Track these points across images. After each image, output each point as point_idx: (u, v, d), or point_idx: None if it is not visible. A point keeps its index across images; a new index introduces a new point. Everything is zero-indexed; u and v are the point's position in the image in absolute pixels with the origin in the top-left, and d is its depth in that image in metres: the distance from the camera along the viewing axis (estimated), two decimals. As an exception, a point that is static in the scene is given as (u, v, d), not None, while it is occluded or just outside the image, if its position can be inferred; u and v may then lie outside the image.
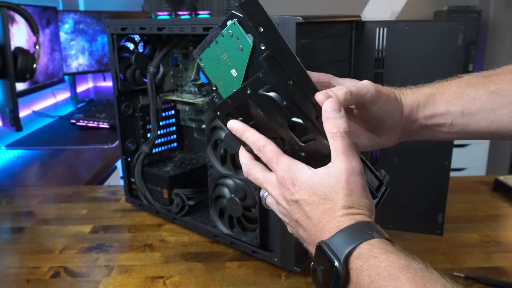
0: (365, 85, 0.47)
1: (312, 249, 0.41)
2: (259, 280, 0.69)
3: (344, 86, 0.45)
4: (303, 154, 0.44)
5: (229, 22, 0.42)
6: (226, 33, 0.42)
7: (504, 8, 2.67)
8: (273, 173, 0.45)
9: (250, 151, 0.47)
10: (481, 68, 2.84)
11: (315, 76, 0.50)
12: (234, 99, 0.44)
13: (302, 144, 0.44)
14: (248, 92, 0.42)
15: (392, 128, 0.51)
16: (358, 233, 0.38)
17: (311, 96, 0.42)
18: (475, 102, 0.49)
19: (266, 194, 0.47)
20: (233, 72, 0.44)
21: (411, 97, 0.51)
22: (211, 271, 0.71)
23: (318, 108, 0.42)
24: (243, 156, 0.48)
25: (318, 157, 0.43)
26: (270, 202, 0.47)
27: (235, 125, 0.46)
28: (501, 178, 0.99)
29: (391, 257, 0.36)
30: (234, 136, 0.46)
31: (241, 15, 0.41)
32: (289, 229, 0.47)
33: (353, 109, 0.50)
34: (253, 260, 0.74)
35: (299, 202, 0.42)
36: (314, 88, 0.43)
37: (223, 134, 0.70)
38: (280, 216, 0.47)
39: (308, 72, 0.45)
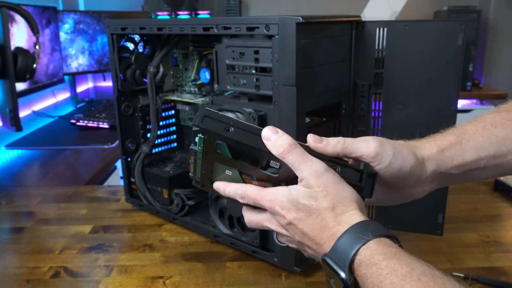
0: (366, 139, 0.47)
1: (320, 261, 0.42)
2: (259, 280, 0.69)
3: (341, 137, 0.47)
4: (283, 183, 0.46)
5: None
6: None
7: (504, 8, 2.67)
8: (265, 210, 0.46)
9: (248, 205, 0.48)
10: (481, 68, 2.84)
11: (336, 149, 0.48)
12: (204, 167, 0.49)
13: (276, 175, 0.46)
14: (198, 149, 0.48)
15: (418, 181, 0.49)
16: (354, 237, 0.38)
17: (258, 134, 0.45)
18: (506, 142, 0.48)
19: (274, 233, 0.48)
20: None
21: (436, 149, 0.49)
22: (211, 271, 0.71)
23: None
24: (243, 211, 0.50)
25: (295, 178, 0.45)
26: (279, 238, 0.48)
27: (216, 187, 0.49)
28: (501, 178, 0.99)
29: (392, 263, 0.36)
30: (228, 197, 0.49)
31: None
32: (305, 253, 0.47)
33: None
34: (253, 260, 0.74)
35: (292, 223, 0.43)
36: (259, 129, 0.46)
37: (223, 134, 0.70)
38: (292, 245, 0.47)
39: (325, 138, 0.47)
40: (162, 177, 0.86)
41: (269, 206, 0.45)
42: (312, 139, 0.46)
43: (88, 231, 0.86)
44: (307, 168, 0.43)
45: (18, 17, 1.48)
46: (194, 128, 0.47)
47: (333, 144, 0.46)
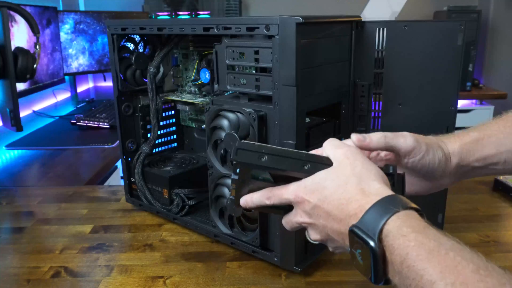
0: (403, 134, 0.51)
1: (345, 238, 0.42)
2: (259, 280, 0.69)
3: (381, 132, 0.51)
4: None
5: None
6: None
7: (504, 8, 2.67)
8: (292, 207, 0.48)
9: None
10: (480, 68, 2.84)
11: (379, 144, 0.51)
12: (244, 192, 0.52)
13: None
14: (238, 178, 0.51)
15: (444, 174, 0.54)
16: (383, 209, 0.39)
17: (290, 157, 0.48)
18: None
19: (306, 232, 0.50)
20: None
21: (458, 144, 0.54)
22: (211, 271, 0.71)
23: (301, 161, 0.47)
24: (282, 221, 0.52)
25: None
26: (309, 233, 0.49)
27: (243, 202, 0.51)
28: (501, 178, 0.99)
29: (420, 236, 0.36)
30: (261, 209, 0.51)
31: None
32: (330, 246, 0.49)
33: (404, 161, 0.52)
34: (253, 260, 0.74)
35: (316, 204, 0.45)
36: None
37: (223, 134, 0.70)
38: (321, 238, 0.48)
39: (367, 135, 0.50)
40: (162, 177, 0.87)
41: (294, 196, 0.46)
42: (356, 138, 0.50)
43: (88, 231, 0.86)
44: (337, 149, 0.47)
45: (18, 17, 1.48)
46: (234, 162, 0.49)
47: (376, 140, 0.50)
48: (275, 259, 0.70)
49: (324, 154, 0.48)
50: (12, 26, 1.51)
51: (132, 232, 0.85)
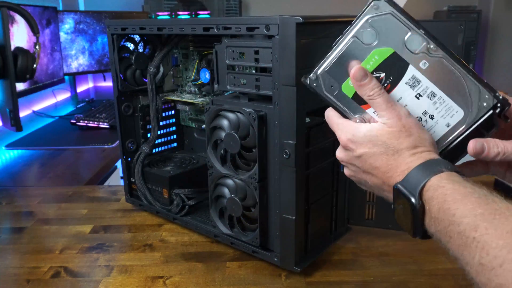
0: None
1: (387, 194, 0.46)
2: (259, 280, 0.69)
3: (502, 144, 0.45)
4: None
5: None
6: None
7: (504, 8, 2.67)
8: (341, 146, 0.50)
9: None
10: (481, 68, 2.84)
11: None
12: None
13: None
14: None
15: None
16: (428, 169, 0.42)
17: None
18: None
19: (342, 166, 0.52)
20: None
21: None
22: (211, 271, 0.71)
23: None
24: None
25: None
26: (345, 172, 0.51)
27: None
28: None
29: (457, 186, 0.39)
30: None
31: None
32: (361, 185, 0.51)
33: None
34: (253, 260, 0.74)
35: (362, 156, 0.46)
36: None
37: (223, 134, 0.70)
38: (354, 179, 0.50)
39: (485, 145, 0.46)
40: (162, 177, 0.87)
41: (341, 140, 0.48)
42: (472, 149, 0.45)
43: (88, 231, 0.86)
44: (394, 110, 0.45)
45: (18, 17, 1.48)
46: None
47: (493, 155, 0.45)
48: (275, 259, 0.70)
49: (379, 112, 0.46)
50: (12, 26, 1.51)
51: (132, 232, 0.85)
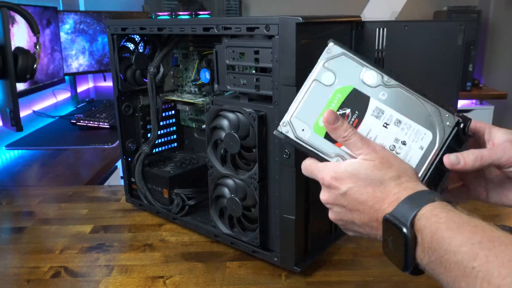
0: (503, 148, 0.47)
1: (375, 231, 0.44)
2: (259, 280, 0.69)
3: (476, 151, 0.47)
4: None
5: None
6: None
7: (504, 8, 2.67)
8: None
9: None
10: (481, 68, 2.84)
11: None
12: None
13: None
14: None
15: None
16: (419, 198, 0.41)
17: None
18: None
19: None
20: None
21: None
22: (211, 271, 0.71)
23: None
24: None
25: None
26: (330, 216, 0.49)
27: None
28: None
29: (451, 214, 0.38)
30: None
31: None
32: (347, 230, 0.49)
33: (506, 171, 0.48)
34: (253, 260, 0.74)
35: (347, 192, 0.45)
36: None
37: (223, 134, 0.70)
38: (340, 223, 0.48)
39: (461, 158, 0.47)
40: (162, 177, 0.87)
41: (324, 180, 0.47)
42: (448, 162, 0.46)
43: (88, 231, 0.86)
44: (369, 146, 0.46)
45: (18, 17, 1.48)
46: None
47: (471, 164, 0.46)
48: (275, 259, 0.70)
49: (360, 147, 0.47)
50: (12, 26, 1.51)
51: (132, 232, 0.85)
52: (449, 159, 0.46)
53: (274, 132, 0.51)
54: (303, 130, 0.50)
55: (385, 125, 0.48)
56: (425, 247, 0.38)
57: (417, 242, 0.39)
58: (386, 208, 0.42)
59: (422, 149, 0.47)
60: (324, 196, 0.48)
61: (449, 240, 0.36)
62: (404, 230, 0.39)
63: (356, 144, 0.46)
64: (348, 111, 0.49)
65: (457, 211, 0.39)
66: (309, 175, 0.50)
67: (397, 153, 0.47)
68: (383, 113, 0.48)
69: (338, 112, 0.48)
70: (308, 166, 0.50)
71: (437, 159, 0.47)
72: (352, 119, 0.49)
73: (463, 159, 0.46)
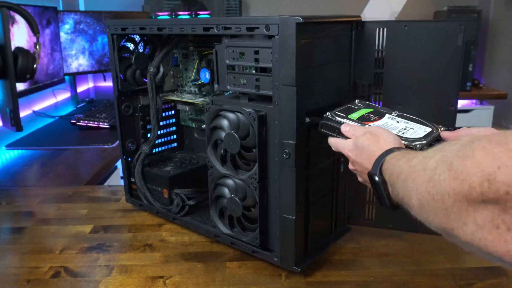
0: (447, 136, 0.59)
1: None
2: (259, 280, 0.69)
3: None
4: None
5: None
6: None
7: (504, 8, 2.67)
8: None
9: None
10: (481, 68, 2.84)
11: (453, 133, 0.61)
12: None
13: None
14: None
15: None
16: (386, 154, 0.51)
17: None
18: None
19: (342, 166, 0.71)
20: None
21: None
22: (211, 271, 0.71)
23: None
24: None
25: None
26: (359, 179, 0.62)
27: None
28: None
29: (404, 152, 0.49)
30: None
31: None
32: (364, 182, 0.60)
33: None
34: (253, 260, 0.74)
35: (355, 160, 0.59)
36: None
37: (223, 134, 0.70)
38: (356, 170, 0.60)
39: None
40: (162, 177, 0.87)
41: (340, 148, 0.61)
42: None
43: (88, 231, 0.86)
44: (365, 128, 0.60)
45: (18, 17, 1.48)
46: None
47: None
48: (275, 259, 0.70)
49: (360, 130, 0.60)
50: (12, 26, 1.51)
51: (132, 232, 0.85)
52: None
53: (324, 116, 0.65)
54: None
55: (397, 121, 0.64)
56: (392, 181, 0.47)
57: (386, 181, 0.49)
58: (369, 167, 0.54)
59: (425, 131, 0.61)
60: (349, 165, 0.61)
61: (404, 161, 0.45)
62: (376, 177, 0.51)
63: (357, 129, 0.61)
64: (371, 115, 0.66)
65: (413, 150, 0.49)
66: (334, 147, 0.63)
67: (407, 131, 0.61)
68: (394, 118, 0.65)
69: (365, 114, 0.66)
70: (335, 142, 0.63)
71: (434, 139, 0.61)
72: (374, 118, 0.65)
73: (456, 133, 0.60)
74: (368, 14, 2.43)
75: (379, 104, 0.74)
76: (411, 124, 0.64)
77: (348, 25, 0.71)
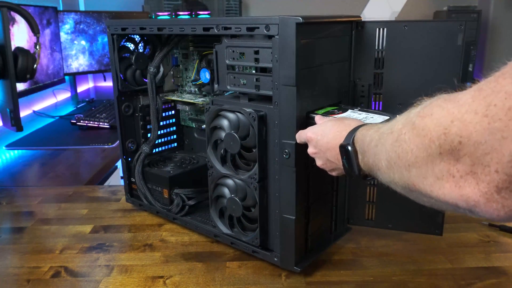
0: None
1: (338, 160, 0.57)
2: (259, 280, 0.69)
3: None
4: None
5: None
6: None
7: (504, 8, 2.67)
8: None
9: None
10: (480, 68, 2.84)
11: None
12: None
13: None
14: None
15: None
16: (356, 130, 0.54)
17: None
18: None
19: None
20: None
21: None
22: (211, 271, 0.71)
23: None
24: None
25: None
26: (316, 163, 0.63)
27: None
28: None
29: (372, 125, 0.53)
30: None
31: None
32: (333, 173, 0.62)
33: None
34: (253, 260, 0.74)
35: (318, 139, 0.60)
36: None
37: (223, 134, 0.70)
38: (323, 166, 0.62)
39: None
40: (162, 177, 0.87)
41: (303, 135, 0.62)
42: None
43: (88, 231, 0.86)
44: (331, 118, 0.63)
45: (18, 17, 1.48)
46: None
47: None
48: (275, 259, 0.70)
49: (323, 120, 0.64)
50: (12, 26, 1.51)
51: (132, 232, 0.85)
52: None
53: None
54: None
55: (359, 113, 0.67)
56: (363, 150, 0.50)
57: (357, 151, 0.52)
58: (335, 143, 0.57)
59: (383, 119, 0.64)
60: (309, 149, 0.62)
61: (375, 130, 0.48)
62: (348, 147, 0.53)
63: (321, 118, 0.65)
64: (335, 110, 0.69)
65: (375, 124, 0.53)
66: (299, 137, 0.63)
67: (367, 120, 0.65)
68: (356, 112, 0.68)
69: (330, 110, 0.69)
70: (298, 133, 0.64)
71: None
72: (338, 112, 0.68)
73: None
74: (368, 14, 2.43)
75: (379, 106, 0.76)
76: (371, 114, 0.68)
77: (348, 25, 0.71)
